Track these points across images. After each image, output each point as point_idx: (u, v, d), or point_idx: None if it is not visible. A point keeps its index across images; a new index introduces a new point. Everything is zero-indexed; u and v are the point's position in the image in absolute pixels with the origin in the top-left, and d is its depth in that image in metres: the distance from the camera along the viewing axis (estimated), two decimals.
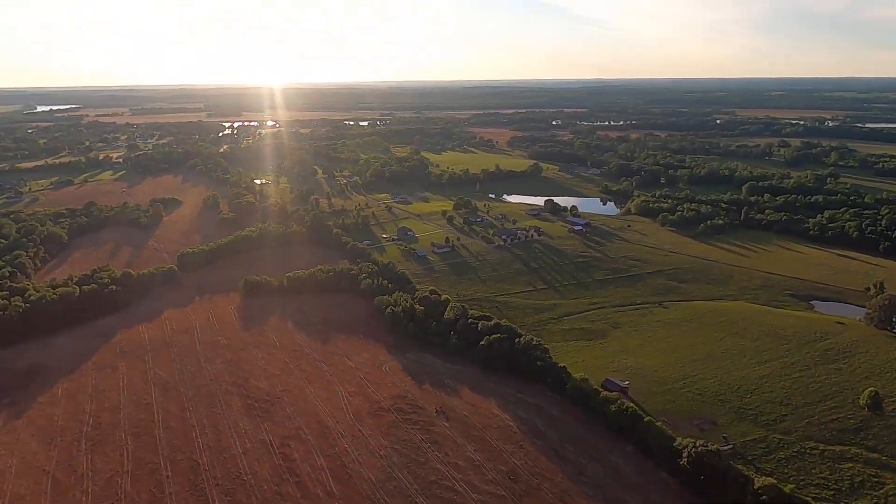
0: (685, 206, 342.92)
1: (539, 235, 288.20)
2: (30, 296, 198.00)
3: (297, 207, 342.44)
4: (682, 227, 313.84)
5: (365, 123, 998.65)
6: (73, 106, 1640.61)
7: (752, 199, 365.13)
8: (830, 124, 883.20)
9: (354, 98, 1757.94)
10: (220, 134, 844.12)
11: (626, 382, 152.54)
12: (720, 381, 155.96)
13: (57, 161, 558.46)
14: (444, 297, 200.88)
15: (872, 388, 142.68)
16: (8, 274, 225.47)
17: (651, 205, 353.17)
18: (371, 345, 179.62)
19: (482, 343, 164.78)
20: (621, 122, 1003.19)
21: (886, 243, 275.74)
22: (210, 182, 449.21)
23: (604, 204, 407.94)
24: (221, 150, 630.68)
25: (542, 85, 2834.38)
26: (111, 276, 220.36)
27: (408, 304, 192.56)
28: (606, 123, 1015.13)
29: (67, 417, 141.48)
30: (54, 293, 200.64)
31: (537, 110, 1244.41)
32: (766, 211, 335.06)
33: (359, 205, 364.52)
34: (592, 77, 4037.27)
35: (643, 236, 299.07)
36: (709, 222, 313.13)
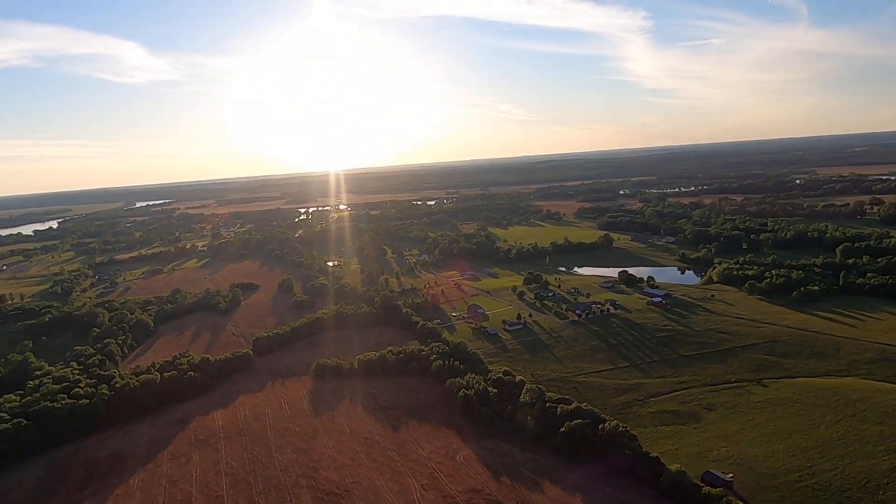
0: (773, 272, 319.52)
1: (615, 309, 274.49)
2: (115, 383, 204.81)
3: (368, 288, 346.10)
4: (772, 296, 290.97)
5: (432, 202, 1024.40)
6: (167, 200, 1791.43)
7: (850, 261, 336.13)
8: None
9: (421, 178, 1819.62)
10: (296, 219, 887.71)
11: (730, 475, 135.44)
12: (843, 473, 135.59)
13: (149, 252, 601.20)
14: (518, 378, 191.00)
15: None
16: (98, 362, 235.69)
17: (735, 272, 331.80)
18: (443, 431, 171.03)
19: (562, 430, 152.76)
20: (692, 188, 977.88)
21: None
22: (286, 266, 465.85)
23: (682, 273, 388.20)
24: (297, 234, 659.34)
25: (607, 155, 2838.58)
26: (190, 361, 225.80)
27: (480, 387, 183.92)
28: (676, 190, 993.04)
29: None
30: (137, 380, 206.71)
31: (604, 181, 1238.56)
32: (868, 274, 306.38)
33: (428, 283, 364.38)
34: (659, 145, 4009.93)
35: (730, 306, 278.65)
36: (803, 289, 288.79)
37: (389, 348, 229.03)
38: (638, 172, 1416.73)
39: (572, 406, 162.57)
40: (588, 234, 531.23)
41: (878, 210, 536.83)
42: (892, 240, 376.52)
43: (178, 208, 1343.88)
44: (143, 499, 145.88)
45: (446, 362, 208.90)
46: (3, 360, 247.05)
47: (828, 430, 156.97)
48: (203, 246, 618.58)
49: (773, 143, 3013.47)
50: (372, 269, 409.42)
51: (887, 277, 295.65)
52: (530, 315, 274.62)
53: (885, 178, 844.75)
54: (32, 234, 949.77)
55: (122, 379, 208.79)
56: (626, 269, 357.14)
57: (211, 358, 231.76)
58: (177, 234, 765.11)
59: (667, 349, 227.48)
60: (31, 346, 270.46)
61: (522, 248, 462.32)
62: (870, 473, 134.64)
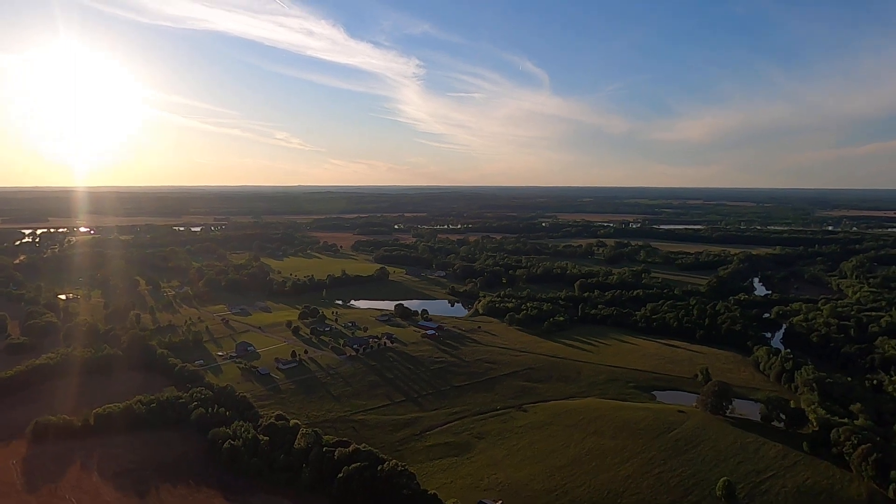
0: (528, 304, 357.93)
1: (392, 342, 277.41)
2: None
3: (113, 325, 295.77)
4: (528, 326, 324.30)
5: (197, 229, 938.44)
6: None
7: (585, 295, 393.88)
8: (634, 226, 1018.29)
9: (184, 202, 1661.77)
10: (18, 242, 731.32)
11: (500, 502, 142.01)
12: (590, 487, 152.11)
13: None
14: (292, 422, 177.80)
15: (725, 478, 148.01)
16: None
17: (497, 305, 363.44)
18: (204, 491, 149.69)
19: (340, 475, 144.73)
20: (459, 226, 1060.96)
21: (701, 331, 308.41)
22: None
23: (452, 305, 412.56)
24: (17, 260, 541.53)
25: (383, 191, 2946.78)
26: None
27: (249, 436, 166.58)
28: (446, 227, 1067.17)
29: None
30: None
31: (379, 215, 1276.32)
32: (599, 306, 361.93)
33: (189, 319, 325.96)
34: (430, 184, 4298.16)
35: (494, 337, 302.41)
36: (551, 319, 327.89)
37: (138, 397, 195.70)
38: (411, 209, 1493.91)
39: (350, 448, 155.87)
40: (365, 266, 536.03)
41: (603, 251, 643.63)
42: (615, 276, 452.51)
43: None
44: None
45: (209, 409, 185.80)
46: None
47: (576, 447, 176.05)
48: None
49: (523, 189, 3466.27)
50: (119, 304, 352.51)
51: (612, 308, 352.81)
52: (306, 352, 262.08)
53: (606, 224, 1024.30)
54: None
55: None
56: (402, 301, 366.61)
57: None
58: None
59: (440, 381, 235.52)
60: None
61: (298, 280, 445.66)
62: (610, 484, 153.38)
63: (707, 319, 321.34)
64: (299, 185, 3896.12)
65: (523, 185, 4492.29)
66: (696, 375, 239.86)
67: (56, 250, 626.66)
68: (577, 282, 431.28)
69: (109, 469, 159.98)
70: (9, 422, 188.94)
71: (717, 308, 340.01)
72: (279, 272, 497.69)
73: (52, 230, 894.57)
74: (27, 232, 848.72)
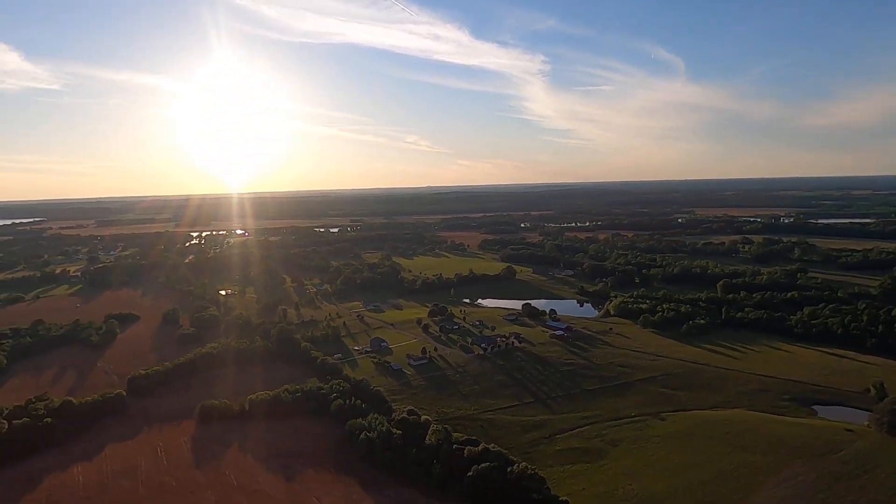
0: (665, 306, 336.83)
1: (520, 342, 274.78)
2: None
3: (263, 319, 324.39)
4: (664, 329, 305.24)
5: (335, 230, 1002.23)
6: (38, 219, 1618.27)
7: (730, 296, 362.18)
8: (786, 221, 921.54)
9: (324, 205, 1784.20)
10: (187, 244, 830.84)
11: None
12: None
13: (10, 276, 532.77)
14: (423, 418, 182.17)
15: None
16: None
17: (630, 305, 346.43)
18: (343, 479, 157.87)
19: (470, 474, 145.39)
20: (587, 224, 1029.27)
21: (874, 339, 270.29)
22: (173, 295, 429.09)
23: (580, 306, 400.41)
24: (187, 260, 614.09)
25: (508, 189, 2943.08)
26: (48, 406, 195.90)
27: (384, 429, 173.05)
28: (573, 225, 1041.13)
29: None
30: None
31: (505, 214, 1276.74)
32: (746, 309, 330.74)
33: (329, 314, 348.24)
34: (556, 181, 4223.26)
35: (627, 339, 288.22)
36: (691, 322, 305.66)
37: (285, 387, 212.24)
38: (537, 207, 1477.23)
39: (479, 447, 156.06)
40: (492, 265, 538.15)
41: (749, 249, 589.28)
42: (764, 276, 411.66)
43: (51, 228, 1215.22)
44: None
45: (347, 401, 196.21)
46: None
47: (722, 462, 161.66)
48: (76, 271, 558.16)
49: (655, 183, 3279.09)
50: (270, 299, 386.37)
51: (762, 312, 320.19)
52: (435, 349, 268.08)
53: (752, 219, 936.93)
54: None
55: None
56: (529, 301, 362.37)
57: (74, 401, 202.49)
58: (45, 256, 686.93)
59: (570, 383, 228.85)
60: None
61: (427, 278, 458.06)
62: None
63: (881, 326, 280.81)
64: (428, 186, 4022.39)
65: (655, 179, 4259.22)
66: (868, 390, 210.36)
67: (217, 251, 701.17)
68: (720, 282, 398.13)
69: (261, 452, 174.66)
70: (181, 403, 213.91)
71: (893, 314, 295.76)
72: (409, 271, 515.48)
73: (214, 233, 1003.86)
74: (195, 235, 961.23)
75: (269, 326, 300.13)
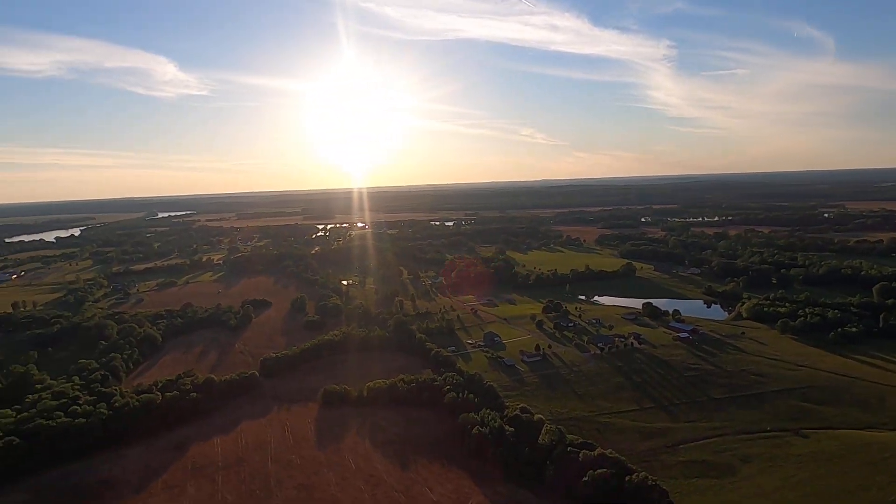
0: (807, 310, 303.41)
1: (640, 343, 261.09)
2: (115, 402, 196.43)
3: (381, 310, 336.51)
4: (806, 335, 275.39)
5: (450, 223, 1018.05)
6: (189, 212, 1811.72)
7: (888, 302, 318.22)
8: None
9: (440, 199, 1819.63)
10: (314, 236, 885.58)
11: None
12: None
13: (165, 263, 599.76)
14: (536, 416, 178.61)
15: None
16: (100, 377, 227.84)
17: (766, 308, 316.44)
18: (455, 472, 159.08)
19: (585, 479, 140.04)
20: (716, 218, 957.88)
21: None
22: (300, 283, 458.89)
23: (708, 307, 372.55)
24: (313, 251, 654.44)
25: (628, 182, 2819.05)
26: (194, 381, 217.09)
27: (496, 425, 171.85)
28: (700, 219, 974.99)
29: None
30: (137, 400, 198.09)
31: (625, 208, 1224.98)
32: None
33: (443, 307, 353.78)
34: (681, 173, 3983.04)
35: (762, 346, 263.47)
36: (840, 329, 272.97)
37: (401, 376, 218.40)
38: (659, 200, 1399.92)
39: (596, 452, 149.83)
40: (609, 261, 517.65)
41: None
42: None
43: (199, 220, 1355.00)
44: None
45: (460, 395, 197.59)
46: (4, 371, 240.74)
47: (880, 493, 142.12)
48: (219, 259, 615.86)
49: (796, 175, 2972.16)
50: (387, 290, 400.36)
51: None
52: (549, 346, 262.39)
53: None
54: (54, 240, 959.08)
55: (123, 398, 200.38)
56: (650, 300, 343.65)
57: (216, 378, 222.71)
58: (194, 246, 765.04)
59: (696, 390, 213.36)
60: (35, 357, 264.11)
61: (542, 273, 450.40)
62: None
63: None
64: (542, 180, 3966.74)
65: (796, 169, 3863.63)
66: None
67: (340, 243, 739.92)
68: (877, 285, 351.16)
69: (378, 438, 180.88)
70: (306, 385, 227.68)
71: None
72: (523, 265, 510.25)
73: (337, 225, 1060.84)
74: (320, 227, 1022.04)
75: (387, 317, 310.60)
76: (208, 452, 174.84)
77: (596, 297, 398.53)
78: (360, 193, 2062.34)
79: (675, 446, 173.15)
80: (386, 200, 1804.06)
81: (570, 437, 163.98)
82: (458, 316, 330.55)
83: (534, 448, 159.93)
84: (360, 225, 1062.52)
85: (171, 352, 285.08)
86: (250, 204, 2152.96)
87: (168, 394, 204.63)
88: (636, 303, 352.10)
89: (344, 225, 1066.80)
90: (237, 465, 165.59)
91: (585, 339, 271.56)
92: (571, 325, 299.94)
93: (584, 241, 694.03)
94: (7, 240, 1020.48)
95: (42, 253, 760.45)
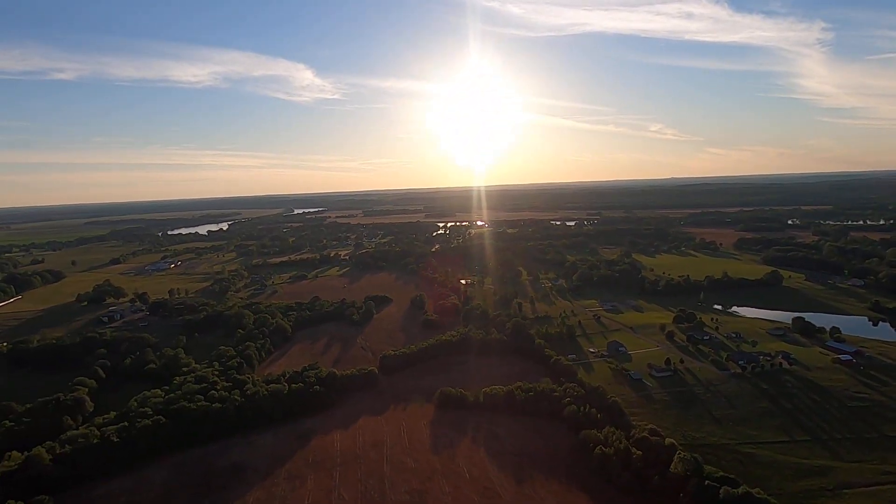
0: None
1: (790, 364, 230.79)
2: (247, 390, 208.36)
3: (499, 311, 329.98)
4: None
5: (572, 223, 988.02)
6: (321, 209, 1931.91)
7: None
8: None
9: (561, 198, 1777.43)
10: (434, 233, 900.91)
11: None
12: None
13: (298, 257, 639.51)
14: (667, 440, 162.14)
15: None
16: (236, 364, 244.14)
17: None
18: (574, 493, 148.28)
19: None
20: (881, 222, 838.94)
21: None
22: (419, 281, 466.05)
23: (875, 325, 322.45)
24: (433, 249, 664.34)
25: (772, 180, 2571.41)
26: (317, 375, 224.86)
27: (621, 446, 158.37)
28: (861, 223, 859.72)
29: None
30: (266, 389, 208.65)
31: (768, 208, 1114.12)
32: None
33: (564, 311, 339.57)
34: (835, 170, 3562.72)
35: None
36: None
37: (518, 384, 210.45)
38: (809, 200, 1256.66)
39: (741, 490, 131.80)
40: (750, 268, 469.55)
41: None
42: None
43: (329, 217, 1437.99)
44: None
45: (581, 409, 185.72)
46: (159, 353, 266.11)
47: None
48: (346, 255, 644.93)
49: None
50: (506, 292, 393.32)
51: None
52: (682, 361, 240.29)
53: None
54: (206, 234, 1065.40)
55: (254, 386, 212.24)
56: (801, 314, 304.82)
57: (337, 373, 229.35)
58: (324, 241, 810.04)
59: (863, 424, 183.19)
60: (184, 341, 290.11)
61: (672, 279, 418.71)
62: None
63: None
64: (672, 178, 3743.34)
65: None
66: None
67: (460, 241, 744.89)
68: None
69: (493, 448, 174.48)
70: (422, 385, 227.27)
71: None
72: (651, 269, 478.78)
73: (457, 224, 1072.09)
74: (441, 225, 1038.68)
75: (505, 319, 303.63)
76: (328, 446, 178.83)
77: (735, 308, 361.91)
78: (480, 191, 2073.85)
79: (839, 490, 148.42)
80: (506, 198, 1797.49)
81: (707, 468, 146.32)
82: (579, 322, 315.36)
83: (664, 477, 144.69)
84: (479, 223, 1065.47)
85: (299, 343, 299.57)
86: (376, 201, 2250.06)
87: (294, 385, 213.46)
88: (783, 316, 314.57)
89: (464, 223, 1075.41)
90: (354, 463, 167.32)
91: (724, 355, 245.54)
92: (707, 338, 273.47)
93: (721, 244, 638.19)
94: (170, 232, 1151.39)
95: (196, 245, 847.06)
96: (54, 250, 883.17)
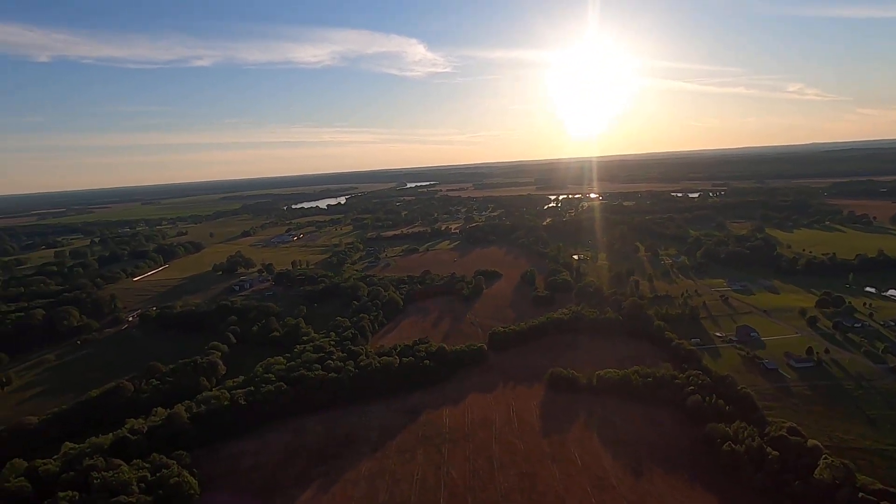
0: None
1: None
2: (361, 361, 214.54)
3: (614, 289, 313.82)
4: None
5: (695, 195, 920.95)
6: (432, 182, 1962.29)
7: None
8: None
9: (683, 167, 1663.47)
10: (545, 207, 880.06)
11: None
12: None
13: (410, 230, 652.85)
14: (811, 442, 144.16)
15: None
16: (351, 336, 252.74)
17: None
18: (700, 492, 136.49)
19: None
20: None
21: None
22: (530, 255, 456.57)
23: None
24: (544, 222, 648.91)
25: None
26: (427, 349, 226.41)
27: (754, 444, 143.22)
28: None
29: None
30: (378, 361, 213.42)
31: None
32: None
33: (686, 291, 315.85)
34: None
35: None
36: None
37: (635, 368, 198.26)
38: None
39: None
40: None
41: None
42: None
43: (440, 190, 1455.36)
44: (367, 490, 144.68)
45: (706, 399, 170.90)
46: (282, 322, 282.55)
47: None
48: (456, 228, 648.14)
49: None
50: (621, 268, 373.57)
51: None
52: (826, 350, 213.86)
53: None
54: (326, 207, 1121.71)
55: (367, 358, 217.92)
56: None
57: (447, 348, 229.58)
58: (435, 215, 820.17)
59: None
60: (304, 311, 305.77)
61: (813, 257, 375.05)
62: None
63: None
64: (813, 143, 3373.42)
65: None
66: None
67: (572, 214, 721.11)
68: None
69: (607, 434, 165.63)
70: (532, 364, 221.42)
71: None
72: (788, 246, 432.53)
73: (570, 196, 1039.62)
74: (552, 198, 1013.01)
75: (620, 298, 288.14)
76: (437, 422, 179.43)
77: (892, 292, 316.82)
78: (594, 162, 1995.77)
79: None
80: (622, 169, 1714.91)
81: (861, 477, 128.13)
82: (704, 302, 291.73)
83: (807, 483, 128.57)
84: (592, 196, 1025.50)
85: (410, 316, 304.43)
86: (486, 174, 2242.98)
87: (405, 359, 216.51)
88: None
89: (576, 196, 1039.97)
90: (463, 441, 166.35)
91: (880, 346, 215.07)
92: (858, 325, 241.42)
93: (875, 218, 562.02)
94: (294, 206, 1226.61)
95: (316, 218, 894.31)
96: (195, 223, 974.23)
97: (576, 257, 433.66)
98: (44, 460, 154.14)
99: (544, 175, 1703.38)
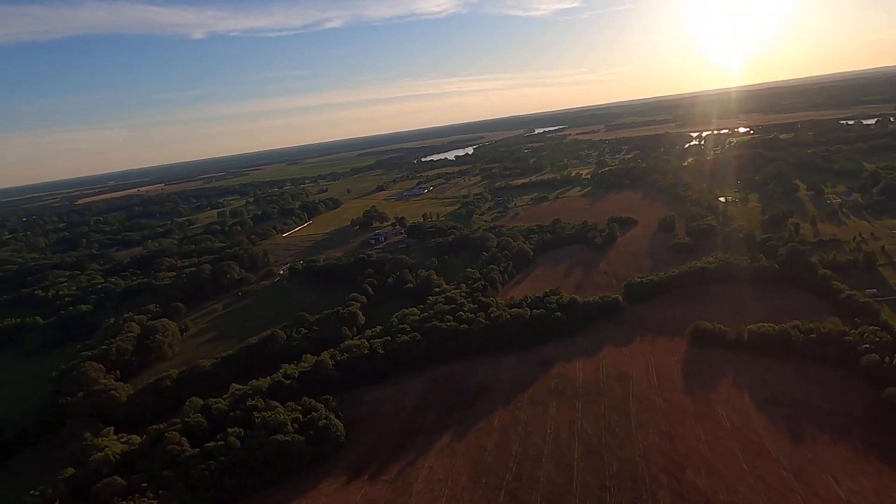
0: None
1: None
2: (491, 313, 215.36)
3: (769, 235, 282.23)
4: None
5: (871, 122, 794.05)
6: (560, 126, 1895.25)
7: None
8: None
9: (854, 90, 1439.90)
10: (686, 145, 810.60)
11: None
12: None
13: (539, 178, 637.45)
14: None
15: None
16: (481, 287, 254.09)
17: None
18: (873, 464, 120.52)
19: None
20: None
21: None
22: (669, 199, 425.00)
23: None
24: (685, 163, 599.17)
25: None
26: (559, 300, 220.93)
27: None
28: None
29: (496, 456, 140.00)
30: (509, 313, 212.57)
31: None
32: None
33: (859, 234, 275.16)
34: None
35: None
36: None
37: (794, 322, 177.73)
38: None
39: None
40: None
41: None
42: None
43: (570, 134, 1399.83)
44: (500, 441, 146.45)
45: (885, 359, 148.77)
46: (415, 273, 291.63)
47: None
48: (587, 174, 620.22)
49: None
50: (776, 210, 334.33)
51: None
52: None
53: None
54: (454, 159, 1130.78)
55: (497, 309, 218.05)
56: None
57: (579, 299, 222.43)
58: (565, 160, 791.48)
59: None
60: (435, 263, 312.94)
61: None
62: None
63: None
64: None
65: None
66: None
67: (717, 153, 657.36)
68: None
69: (760, 395, 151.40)
70: (672, 317, 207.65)
71: None
72: None
73: (715, 132, 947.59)
74: (694, 135, 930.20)
75: (776, 243, 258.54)
76: (570, 375, 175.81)
77: None
78: (742, 93, 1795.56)
79: None
80: (776, 98, 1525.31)
81: None
82: (882, 247, 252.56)
83: None
84: (742, 130, 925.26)
85: (540, 266, 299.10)
86: (619, 114, 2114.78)
87: (536, 311, 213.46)
88: None
89: (723, 131, 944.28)
90: (598, 396, 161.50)
91: None
92: None
93: None
94: (423, 159, 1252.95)
95: (445, 170, 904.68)
96: (334, 180, 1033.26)
97: (722, 199, 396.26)
98: (215, 399, 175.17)
99: (684, 111, 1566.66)
